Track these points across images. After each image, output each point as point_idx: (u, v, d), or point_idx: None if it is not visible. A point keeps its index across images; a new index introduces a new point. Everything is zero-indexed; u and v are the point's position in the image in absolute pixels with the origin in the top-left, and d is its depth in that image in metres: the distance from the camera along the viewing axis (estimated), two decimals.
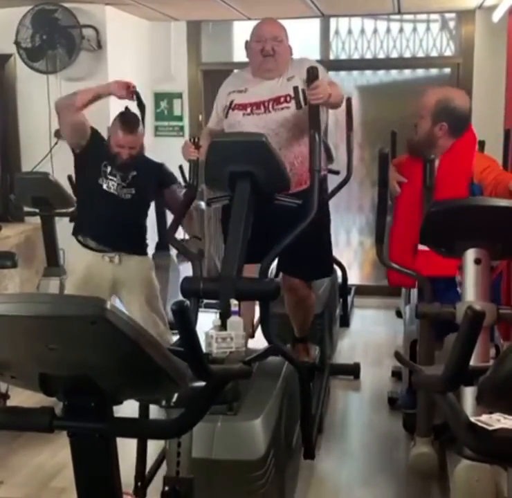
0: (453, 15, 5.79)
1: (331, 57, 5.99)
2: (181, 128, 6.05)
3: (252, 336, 3.66)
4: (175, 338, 3.43)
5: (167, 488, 2.00)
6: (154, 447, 2.75)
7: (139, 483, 2.57)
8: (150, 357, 1.21)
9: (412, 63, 6.05)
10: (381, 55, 5.96)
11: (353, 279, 5.90)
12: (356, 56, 5.99)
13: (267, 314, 2.75)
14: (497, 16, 5.12)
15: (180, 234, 3.60)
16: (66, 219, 4.07)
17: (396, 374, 4.19)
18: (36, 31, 5.05)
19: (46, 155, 5.12)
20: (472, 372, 1.30)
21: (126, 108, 3.52)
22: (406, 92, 5.87)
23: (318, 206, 2.88)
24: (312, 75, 2.95)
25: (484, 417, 1.32)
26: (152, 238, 4.79)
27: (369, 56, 5.98)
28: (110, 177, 3.47)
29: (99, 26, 5.12)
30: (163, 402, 1.93)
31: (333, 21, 5.93)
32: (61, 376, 1.29)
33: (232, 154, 2.78)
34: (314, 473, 3.11)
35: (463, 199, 2.73)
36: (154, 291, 3.67)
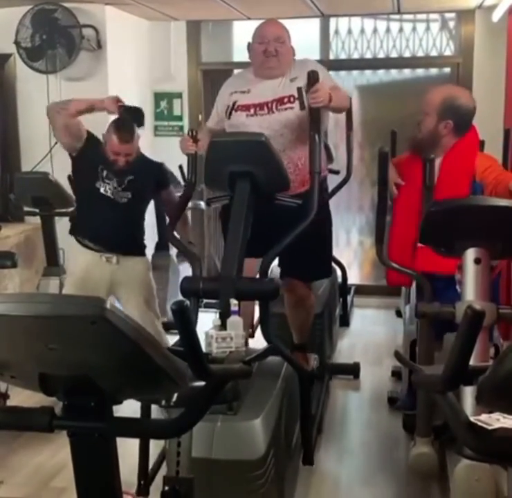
0: (453, 15, 5.79)
1: (331, 56, 5.98)
2: (181, 128, 6.05)
3: (252, 336, 3.66)
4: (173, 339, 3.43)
5: (167, 488, 1.99)
6: (154, 447, 2.75)
7: (142, 482, 2.58)
8: (150, 357, 1.21)
9: (412, 62, 6.04)
10: (381, 55, 5.95)
11: (353, 278, 5.90)
12: (356, 56, 5.99)
13: (267, 314, 2.75)
14: (496, 16, 5.12)
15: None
16: (66, 219, 4.07)
17: (395, 374, 4.19)
18: (36, 31, 5.05)
19: (46, 155, 5.11)
20: (471, 372, 1.30)
21: (121, 113, 3.50)
22: (406, 92, 5.87)
23: (318, 206, 2.89)
24: (312, 78, 2.96)
25: (484, 416, 1.33)
26: (152, 238, 4.80)
27: (368, 56, 5.97)
28: (107, 180, 3.49)
29: (99, 26, 5.12)
30: (163, 402, 1.92)
31: (332, 20, 5.92)
32: (61, 376, 1.29)
33: (232, 154, 2.78)
34: (314, 473, 3.10)
35: (463, 199, 2.72)
36: (152, 291, 3.70)
